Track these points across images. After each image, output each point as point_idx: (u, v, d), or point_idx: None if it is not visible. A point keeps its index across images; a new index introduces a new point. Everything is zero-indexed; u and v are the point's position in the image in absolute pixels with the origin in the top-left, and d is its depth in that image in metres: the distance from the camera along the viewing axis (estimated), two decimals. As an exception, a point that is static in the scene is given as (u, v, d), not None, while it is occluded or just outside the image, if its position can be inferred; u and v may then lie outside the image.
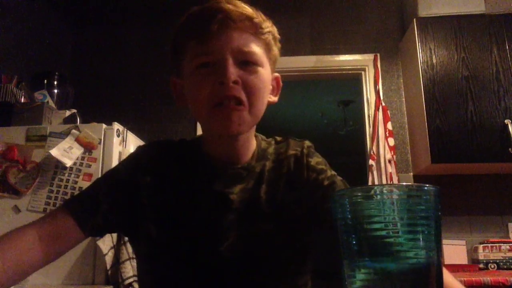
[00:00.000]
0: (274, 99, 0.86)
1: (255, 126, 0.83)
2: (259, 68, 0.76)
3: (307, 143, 0.90)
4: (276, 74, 0.86)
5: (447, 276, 0.64)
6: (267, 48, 0.80)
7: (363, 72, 2.87)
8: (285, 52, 3.34)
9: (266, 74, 0.78)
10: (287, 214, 0.80)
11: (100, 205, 0.78)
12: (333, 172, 0.87)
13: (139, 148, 0.88)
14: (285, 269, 0.79)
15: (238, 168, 0.82)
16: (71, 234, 0.76)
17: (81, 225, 0.76)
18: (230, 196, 0.79)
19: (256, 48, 0.76)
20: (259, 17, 0.78)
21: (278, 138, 0.91)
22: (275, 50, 0.83)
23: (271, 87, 0.83)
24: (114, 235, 1.84)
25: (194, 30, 0.75)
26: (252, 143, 0.85)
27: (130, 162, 0.85)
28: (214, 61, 0.73)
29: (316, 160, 0.87)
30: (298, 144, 0.89)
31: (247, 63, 0.75)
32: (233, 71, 0.72)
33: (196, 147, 0.85)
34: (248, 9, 0.76)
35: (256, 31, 0.77)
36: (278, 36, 0.83)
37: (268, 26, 0.80)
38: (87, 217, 0.77)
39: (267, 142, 0.90)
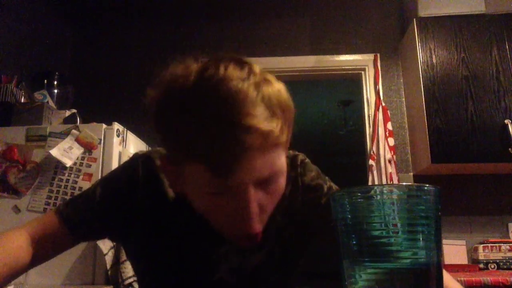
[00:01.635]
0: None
1: None
2: (280, 179, 0.65)
3: (301, 157, 0.83)
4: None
5: (447, 279, 0.61)
6: (287, 133, 0.65)
7: (363, 72, 2.87)
8: (285, 52, 3.32)
9: (284, 178, 0.66)
10: (280, 240, 0.78)
11: (93, 213, 0.77)
12: (328, 184, 0.82)
13: (139, 160, 0.79)
14: None
15: None
16: (61, 240, 0.76)
17: (72, 232, 0.75)
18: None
19: (278, 162, 0.62)
20: (278, 117, 0.61)
21: None
22: (290, 126, 0.68)
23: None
24: (114, 235, 1.83)
25: (209, 158, 0.58)
26: None
27: (130, 175, 0.79)
28: (232, 193, 0.61)
29: (310, 175, 0.82)
30: (291, 162, 0.81)
31: (268, 181, 0.62)
32: (256, 201, 0.61)
33: None
34: (264, 121, 0.58)
35: (277, 139, 0.61)
36: (292, 115, 0.68)
37: (288, 110, 0.66)
38: (79, 224, 0.76)
39: None
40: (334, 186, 0.84)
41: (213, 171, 0.58)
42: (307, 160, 0.85)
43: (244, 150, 0.57)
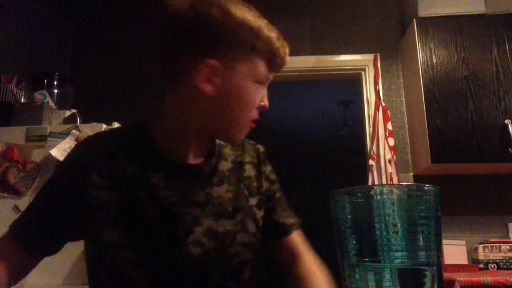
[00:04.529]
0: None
1: None
2: None
3: (261, 148, 0.95)
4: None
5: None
6: None
7: (363, 72, 2.87)
8: (285, 52, 3.23)
9: None
10: (249, 214, 0.84)
11: (43, 223, 0.76)
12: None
13: (78, 146, 0.82)
14: (247, 265, 0.81)
15: (201, 165, 0.83)
16: (22, 260, 0.76)
17: (28, 250, 0.75)
18: (194, 191, 0.79)
19: None
20: None
21: None
22: None
23: None
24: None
25: (270, 56, 0.78)
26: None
27: (71, 164, 0.79)
28: (264, 86, 0.81)
29: (269, 168, 0.94)
30: (254, 149, 0.94)
31: None
32: None
33: (147, 138, 0.81)
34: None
35: None
36: None
37: None
38: (32, 240, 0.76)
39: None
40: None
41: (270, 65, 0.78)
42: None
43: (284, 61, 0.80)
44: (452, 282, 1.88)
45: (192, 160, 0.82)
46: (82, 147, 0.81)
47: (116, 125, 2.03)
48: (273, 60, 0.78)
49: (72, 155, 0.81)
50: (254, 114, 0.79)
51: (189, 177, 0.80)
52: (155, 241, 0.74)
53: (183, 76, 0.75)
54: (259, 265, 0.86)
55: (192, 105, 0.77)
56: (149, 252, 0.73)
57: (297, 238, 0.93)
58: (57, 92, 2.40)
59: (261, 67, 0.77)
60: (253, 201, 0.86)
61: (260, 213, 0.87)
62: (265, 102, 0.81)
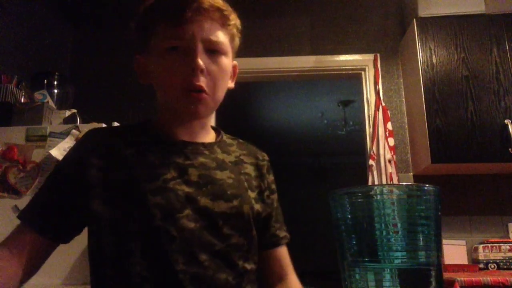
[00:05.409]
0: (231, 85, 0.92)
1: (213, 115, 0.89)
2: (223, 58, 0.83)
3: (266, 156, 0.97)
4: (234, 62, 0.92)
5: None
6: (232, 39, 0.86)
7: (363, 72, 2.87)
8: (285, 52, 3.33)
9: (228, 63, 0.85)
10: (247, 203, 0.84)
11: (52, 206, 0.78)
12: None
13: (83, 135, 0.87)
14: (236, 252, 0.81)
15: (198, 144, 0.86)
16: (39, 247, 0.77)
17: (43, 234, 0.77)
18: (190, 169, 0.81)
19: (223, 38, 0.83)
20: (227, 9, 0.84)
21: (241, 140, 0.98)
22: (237, 40, 0.90)
23: (230, 74, 0.89)
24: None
25: (167, 13, 0.79)
26: (209, 129, 0.92)
27: (75, 150, 0.85)
28: (184, 47, 0.78)
29: (272, 178, 0.95)
30: (258, 154, 0.96)
31: (214, 51, 0.81)
32: (202, 60, 0.78)
33: (149, 127, 0.88)
34: (219, 1, 0.83)
35: (224, 22, 0.83)
36: (240, 27, 0.89)
37: (234, 18, 0.86)
38: (45, 224, 0.77)
39: (231, 138, 0.96)
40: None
41: (171, 21, 0.78)
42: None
43: (198, 10, 0.78)
44: (452, 282, 1.88)
45: (189, 139, 0.86)
46: (85, 136, 0.85)
47: (116, 125, 2.03)
48: (167, 14, 0.79)
49: (77, 143, 0.86)
50: (185, 81, 0.78)
51: (186, 154, 0.83)
52: (151, 212, 0.75)
53: None
54: (256, 257, 0.86)
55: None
56: (144, 224, 0.75)
57: (285, 252, 0.95)
58: (57, 92, 2.40)
59: (162, 31, 0.79)
60: (252, 194, 0.87)
61: (257, 206, 0.87)
62: (193, 61, 0.77)
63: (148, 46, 0.83)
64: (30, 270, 0.77)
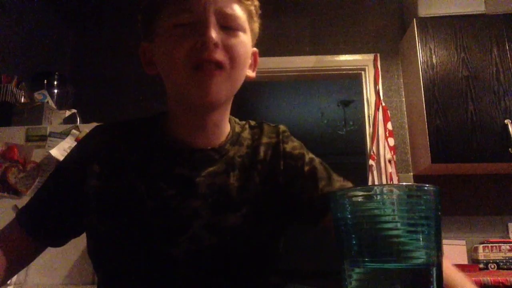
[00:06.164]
0: (252, 74, 0.79)
1: (229, 108, 0.78)
2: (241, 33, 0.70)
3: (282, 127, 0.84)
4: (255, 49, 0.79)
5: (449, 269, 0.58)
6: (250, 17, 0.73)
7: (363, 72, 2.87)
8: (285, 52, 3.32)
9: (247, 41, 0.72)
10: (258, 206, 0.73)
11: (49, 210, 0.74)
12: (311, 155, 0.81)
13: (84, 136, 0.79)
14: (252, 266, 0.71)
15: (208, 150, 0.74)
16: (26, 248, 0.73)
17: (33, 236, 0.73)
18: (196, 179, 0.72)
19: (240, 12, 0.70)
20: None
21: (252, 123, 0.85)
22: (256, 23, 0.76)
23: (250, 60, 0.76)
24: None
25: None
26: (226, 125, 0.78)
27: (75, 152, 0.78)
28: (194, 22, 0.66)
29: (292, 145, 0.81)
30: (273, 130, 0.82)
31: (230, 27, 0.68)
32: (215, 32, 0.65)
33: (156, 126, 0.77)
34: None
35: None
36: (259, 11, 0.76)
37: None
38: (38, 226, 0.73)
39: (241, 126, 0.83)
40: (318, 159, 0.81)
41: None
42: (289, 133, 0.85)
43: None
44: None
45: (201, 145, 0.75)
46: (89, 135, 0.79)
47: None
48: None
49: (80, 143, 0.79)
50: (194, 58, 0.65)
51: (193, 163, 0.73)
52: (151, 234, 0.68)
53: None
54: (269, 266, 0.75)
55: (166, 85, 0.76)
56: (143, 246, 0.68)
57: None
58: (57, 92, 2.40)
59: (168, 7, 0.68)
60: (266, 187, 0.75)
61: (274, 202, 0.75)
62: (205, 34, 0.64)
63: (153, 29, 0.72)
64: (15, 267, 0.73)
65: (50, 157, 1.92)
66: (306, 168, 0.78)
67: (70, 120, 2.14)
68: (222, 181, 0.73)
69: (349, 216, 0.44)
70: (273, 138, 0.81)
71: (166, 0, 0.69)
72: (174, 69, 0.67)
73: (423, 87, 2.45)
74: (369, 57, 2.86)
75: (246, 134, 0.81)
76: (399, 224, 0.43)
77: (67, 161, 0.78)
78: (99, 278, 0.75)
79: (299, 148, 0.81)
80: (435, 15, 2.56)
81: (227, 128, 0.79)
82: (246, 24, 0.71)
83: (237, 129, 0.81)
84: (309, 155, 0.81)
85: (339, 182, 0.78)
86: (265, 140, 0.80)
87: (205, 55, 0.64)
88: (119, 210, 0.70)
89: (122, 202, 0.70)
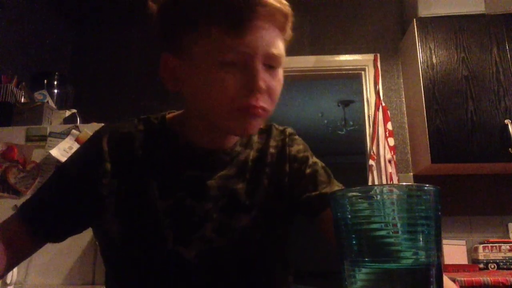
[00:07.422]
0: None
1: None
2: (280, 71, 0.70)
3: (289, 130, 0.85)
4: None
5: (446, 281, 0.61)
6: (286, 43, 0.73)
7: (363, 72, 2.87)
8: (285, 52, 3.30)
9: (282, 73, 0.71)
10: (267, 208, 0.75)
11: (52, 207, 0.73)
12: (315, 159, 0.83)
13: (94, 134, 0.78)
14: (262, 266, 0.74)
15: (219, 153, 0.75)
16: (25, 242, 0.72)
17: (33, 231, 0.72)
18: (207, 182, 0.73)
19: (283, 49, 0.70)
20: (290, 8, 0.71)
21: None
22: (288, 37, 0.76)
23: None
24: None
25: (222, 13, 0.62)
26: None
27: (85, 151, 0.77)
28: (242, 62, 0.64)
29: (297, 148, 0.83)
30: (280, 133, 0.84)
31: (273, 67, 0.68)
32: (263, 81, 0.65)
33: (167, 127, 0.77)
34: (285, 3, 0.69)
35: (284, 26, 0.71)
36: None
37: (292, 16, 0.72)
38: (39, 222, 0.73)
39: None
40: (320, 163, 0.83)
41: (229, 27, 0.62)
42: (296, 135, 0.86)
43: (262, 14, 0.64)
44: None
45: (212, 147, 0.76)
46: (98, 135, 0.77)
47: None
48: (222, 14, 0.62)
49: (90, 142, 0.77)
50: (239, 102, 0.64)
51: (205, 165, 0.74)
52: (162, 235, 0.69)
53: None
54: (280, 267, 0.78)
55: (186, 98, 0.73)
56: (155, 247, 0.70)
57: None
58: (57, 92, 2.41)
59: (213, 38, 0.63)
60: (273, 189, 0.77)
61: (281, 204, 0.77)
62: (254, 83, 0.63)
63: (186, 47, 0.67)
64: (13, 262, 0.72)
65: (50, 157, 1.92)
66: (308, 170, 0.80)
67: (70, 120, 2.14)
68: (232, 184, 0.75)
69: (349, 216, 0.44)
70: (280, 141, 0.83)
71: (209, 25, 0.64)
72: (215, 107, 0.66)
73: (423, 87, 2.44)
74: (369, 57, 2.86)
75: (256, 137, 0.82)
76: (399, 224, 0.43)
77: (77, 159, 0.77)
78: (109, 277, 0.76)
79: (304, 151, 0.83)
80: (435, 15, 2.56)
81: None
82: (284, 59, 0.70)
83: None
84: (313, 159, 0.83)
85: (338, 187, 0.80)
86: (273, 143, 0.82)
87: (252, 101, 0.64)
88: (131, 210, 0.71)
89: (134, 202, 0.71)
